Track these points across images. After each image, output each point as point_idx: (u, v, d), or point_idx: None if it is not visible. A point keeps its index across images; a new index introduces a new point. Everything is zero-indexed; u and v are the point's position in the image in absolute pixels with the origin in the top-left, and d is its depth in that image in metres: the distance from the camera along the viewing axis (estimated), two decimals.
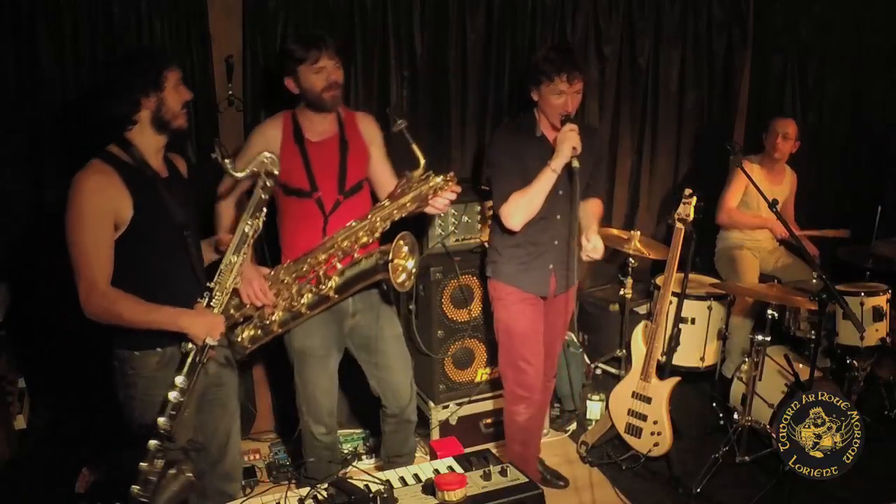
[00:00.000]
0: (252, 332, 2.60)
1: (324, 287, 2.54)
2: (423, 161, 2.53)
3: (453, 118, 3.69)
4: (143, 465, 1.95)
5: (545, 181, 2.68)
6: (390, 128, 2.55)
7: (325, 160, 2.67)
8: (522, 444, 3.05)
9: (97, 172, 2.06)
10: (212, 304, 2.18)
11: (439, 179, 2.54)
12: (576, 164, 2.63)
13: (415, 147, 2.51)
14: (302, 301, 2.56)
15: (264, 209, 2.23)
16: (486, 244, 3.37)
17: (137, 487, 1.93)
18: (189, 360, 2.11)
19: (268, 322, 2.58)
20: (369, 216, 2.57)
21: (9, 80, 2.96)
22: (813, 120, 4.57)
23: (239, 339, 2.59)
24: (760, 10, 4.33)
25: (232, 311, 2.54)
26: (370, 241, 2.58)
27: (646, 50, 4.05)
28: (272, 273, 2.58)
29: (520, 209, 2.72)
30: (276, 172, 2.22)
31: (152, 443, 1.99)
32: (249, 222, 2.22)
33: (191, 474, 1.91)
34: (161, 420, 2.03)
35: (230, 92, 3.30)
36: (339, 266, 2.57)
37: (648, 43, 4.05)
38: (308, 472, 2.89)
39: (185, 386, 2.08)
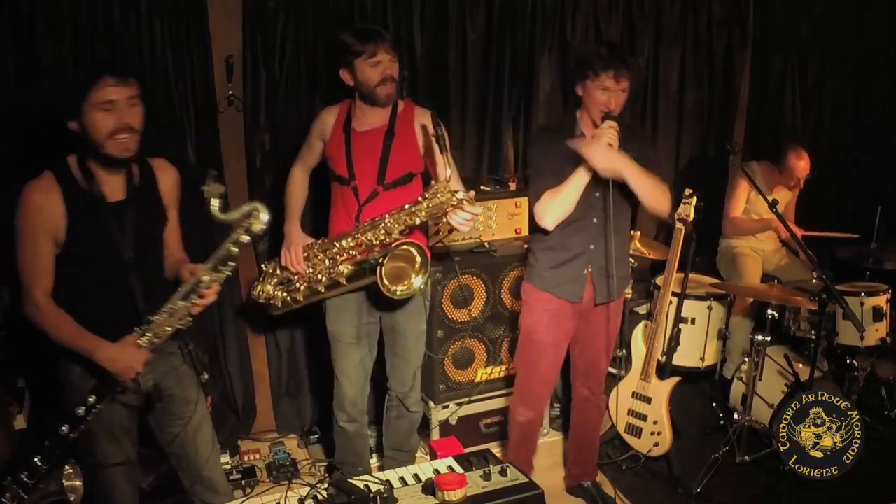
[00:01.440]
0: (284, 296, 2.76)
1: (335, 272, 2.64)
2: (448, 173, 2.51)
3: (453, 118, 3.69)
4: (38, 458, 2.02)
5: (578, 179, 2.60)
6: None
7: (367, 150, 2.70)
8: (518, 442, 3.08)
9: (41, 190, 2.05)
10: (141, 341, 2.10)
11: (459, 196, 2.51)
12: None
13: (445, 157, 2.50)
14: (322, 280, 2.68)
15: (230, 263, 2.10)
16: (486, 244, 3.38)
17: (26, 473, 2.01)
18: (104, 389, 2.10)
19: (293, 289, 2.74)
20: (386, 216, 2.60)
21: (9, 81, 2.96)
22: (813, 120, 4.57)
23: (275, 296, 2.77)
24: (760, 10, 4.33)
25: (278, 270, 2.77)
26: (388, 240, 2.60)
27: (646, 50, 4.05)
28: (312, 244, 2.73)
29: (551, 207, 2.64)
30: (255, 229, 2.06)
31: (46, 443, 2.04)
32: (210, 274, 2.09)
33: (71, 482, 2.00)
34: (63, 428, 2.05)
35: (230, 92, 3.30)
36: (358, 256, 2.65)
37: (648, 43, 4.05)
38: (340, 468, 2.97)
39: (95, 408, 2.09)
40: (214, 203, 2.00)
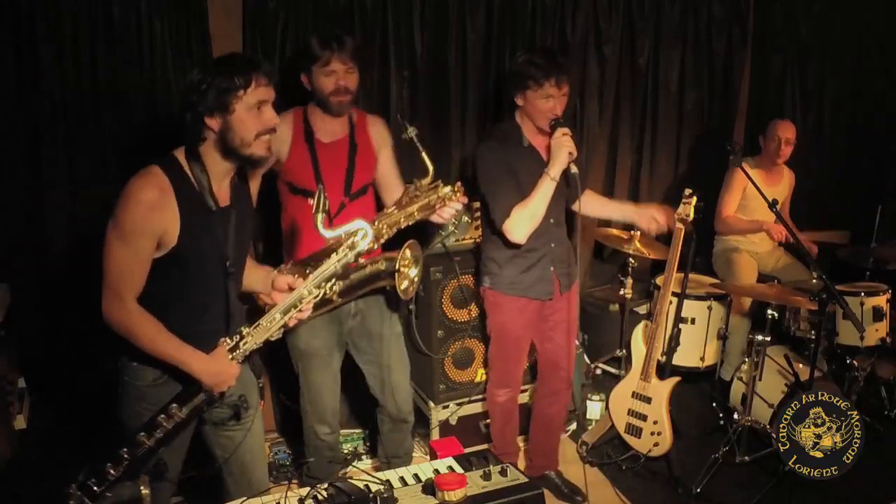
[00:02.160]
0: None
1: (327, 289, 2.53)
2: (431, 170, 2.51)
3: (453, 118, 3.69)
4: (109, 465, 1.90)
5: (545, 190, 2.65)
6: (400, 134, 2.54)
7: (334, 162, 2.66)
8: (502, 423, 3.18)
9: (154, 187, 1.88)
10: (235, 353, 2.01)
11: (447, 189, 2.52)
12: (574, 169, 2.61)
13: (424, 155, 2.49)
14: None
15: (334, 280, 2.04)
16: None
17: (94, 479, 1.89)
18: (194, 401, 2.00)
19: None
20: (376, 222, 2.55)
21: (9, 81, 2.96)
22: (813, 120, 4.57)
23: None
24: (760, 10, 4.33)
25: None
26: (375, 247, 2.56)
27: (646, 50, 4.05)
28: (279, 270, 2.55)
29: (523, 222, 2.69)
30: (360, 248, 1.98)
31: (123, 450, 1.92)
32: (312, 290, 2.02)
33: (146, 491, 1.89)
34: (141, 435, 1.95)
35: None
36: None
37: (648, 43, 4.05)
38: (311, 471, 2.91)
39: (179, 419, 1.98)
40: (319, 218, 1.93)
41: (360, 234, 1.96)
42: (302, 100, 2.72)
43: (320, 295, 2.04)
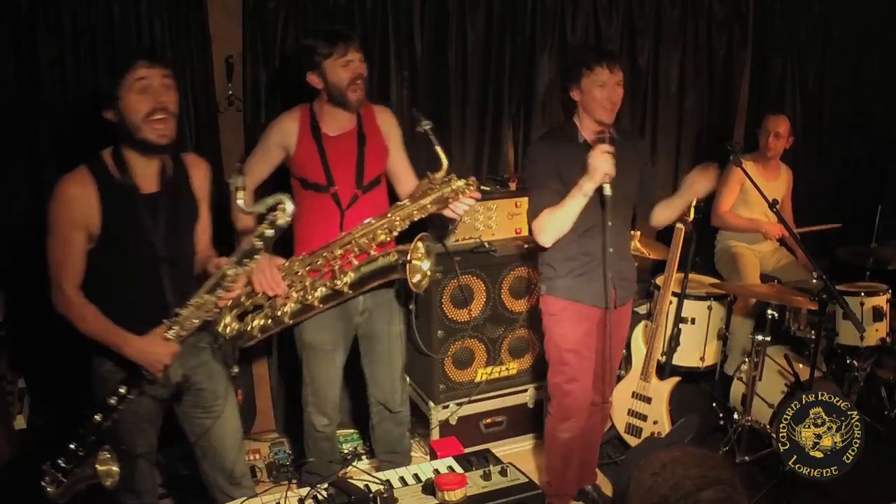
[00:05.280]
0: (262, 322, 2.58)
1: (338, 282, 2.53)
2: (445, 163, 2.51)
3: (453, 118, 3.69)
4: (71, 444, 2.08)
5: (575, 204, 2.57)
6: (414, 128, 2.56)
7: (343, 155, 2.66)
8: (563, 461, 2.93)
9: (75, 183, 2.05)
10: (169, 334, 2.09)
11: (460, 183, 2.51)
12: (608, 191, 2.53)
13: (438, 149, 2.49)
14: (315, 294, 2.55)
15: (256, 257, 2.07)
16: (486, 244, 3.37)
17: (63, 459, 2.07)
18: (134, 380, 2.12)
19: (279, 313, 2.57)
20: (388, 215, 2.56)
21: (9, 81, 2.96)
22: (813, 120, 4.57)
23: (249, 328, 2.58)
24: (760, 11, 4.33)
25: (243, 298, 2.54)
26: (388, 239, 2.57)
27: (646, 50, 4.05)
28: (286, 264, 2.58)
29: (548, 227, 2.64)
30: (280, 223, 2.01)
31: (81, 430, 2.09)
32: (235, 268, 2.06)
33: (116, 468, 2.05)
34: (96, 416, 2.09)
35: (230, 92, 3.31)
36: (354, 262, 2.56)
37: (648, 43, 4.05)
38: (311, 468, 2.91)
39: (121, 396, 2.10)
40: (240, 196, 1.99)
41: (280, 207, 1.99)
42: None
43: (247, 272, 2.12)
